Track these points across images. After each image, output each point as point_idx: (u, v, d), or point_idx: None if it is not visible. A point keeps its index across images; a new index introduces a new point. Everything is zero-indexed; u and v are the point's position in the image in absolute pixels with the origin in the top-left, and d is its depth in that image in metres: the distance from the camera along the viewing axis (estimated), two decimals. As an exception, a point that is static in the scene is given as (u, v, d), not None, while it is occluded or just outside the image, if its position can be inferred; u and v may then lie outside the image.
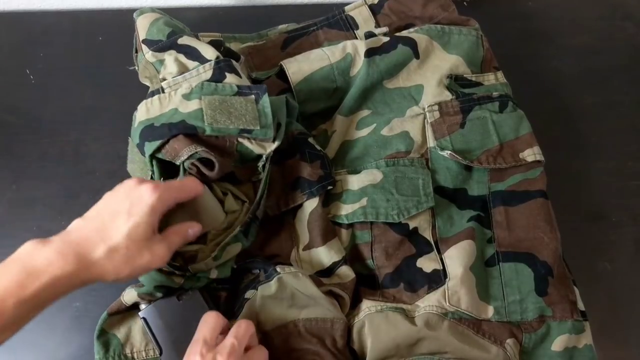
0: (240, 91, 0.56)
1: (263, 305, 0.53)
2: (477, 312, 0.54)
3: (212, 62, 0.58)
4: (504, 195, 0.60)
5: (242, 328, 0.47)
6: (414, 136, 0.62)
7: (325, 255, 0.56)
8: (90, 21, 0.76)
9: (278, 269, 0.54)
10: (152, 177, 0.56)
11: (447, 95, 0.63)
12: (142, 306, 0.53)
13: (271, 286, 0.53)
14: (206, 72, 0.58)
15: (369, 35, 0.68)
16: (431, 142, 0.62)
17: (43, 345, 0.58)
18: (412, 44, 0.64)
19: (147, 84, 0.63)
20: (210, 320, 0.48)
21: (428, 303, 0.55)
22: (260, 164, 0.56)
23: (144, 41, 0.61)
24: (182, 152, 0.53)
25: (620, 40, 0.79)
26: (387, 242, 0.58)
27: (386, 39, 0.64)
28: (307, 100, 0.63)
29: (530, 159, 0.60)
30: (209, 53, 0.59)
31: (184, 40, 0.60)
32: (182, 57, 0.59)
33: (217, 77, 0.57)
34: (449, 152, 0.60)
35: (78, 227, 0.45)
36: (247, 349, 0.48)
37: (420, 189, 0.59)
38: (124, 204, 0.45)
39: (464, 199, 0.60)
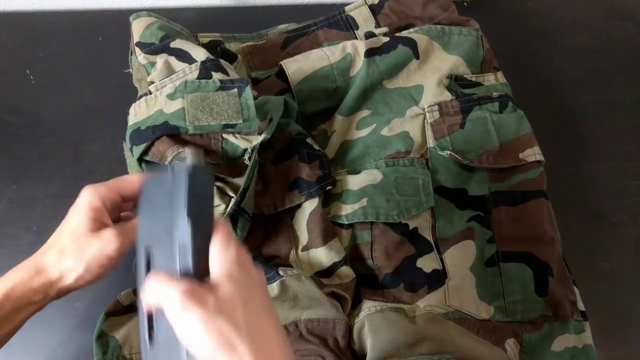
0: (223, 85, 0.57)
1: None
2: (477, 312, 0.54)
3: (199, 63, 0.58)
4: (504, 195, 0.60)
5: None
6: (414, 136, 0.62)
7: (326, 255, 0.56)
8: (90, 21, 0.76)
9: (280, 272, 0.54)
10: None
11: (447, 96, 0.63)
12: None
13: (273, 289, 0.53)
14: (192, 72, 0.58)
15: (369, 35, 0.68)
16: (431, 142, 0.62)
17: (43, 345, 0.58)
18: (412, 44, 0.64)
19: (137, 86, 0.63)
20: None
21: (428, 303, 0.55)
22: (247, 155, 0.55)
23: (137, 44, 0.62)
24: (166, 153, 0.53)
25: (620, 40, 0.79)
26: (387, 242, 0.58)
27: (386, 39, 0.64)
28: (307, 101, 0.63)
29: (530, 159, 0.60)
30: (200, 55, 0.59)
31: (177, 43, 0.61)
32: (172, 60, 0.60)
33: (204, 76, 0.58)
34: (449, 152, 0.60)
35: (44, 246, 0.47)
36: None
37: (420, 189, 0.59)
38: (68, 213, 0.47)
39: (464, 199, 0.60)
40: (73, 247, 0.44)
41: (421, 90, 0.64)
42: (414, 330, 0.53)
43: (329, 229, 0.57)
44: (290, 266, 0.56)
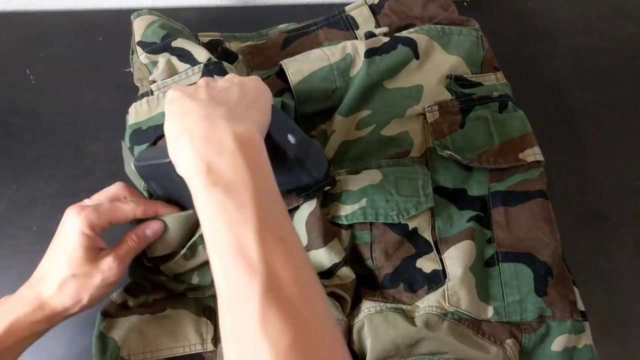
0: None
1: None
2: (477, 313, 0.54)
3: (202, 65, 0.58)
4: (504, 196, 0.59)
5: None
6: (413, 136, 0.62)
7: (326, 257, 0.56)
8: (90, 21, 0.76)
9: None
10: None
11: (447, 96, 0.63)
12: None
13: None
14: (195, 74, 0.58)
15: (369, 35, 0.68)
16: (431, 142, 0.62)
17: (43, 345, 0.58)
18: (412, 44, 0.64)
19: (139, 85, 0.63)
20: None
21: (428, 303, 0.54)
22: None
23: (139, 43, 0.62)
24: None
25: (620, 40, 0.79)
26: (386, 243, 0.58)
27: (386, 39, 0.64)
28: (306, 101, 0.62)
29: (530, 159, 0.60)
30: (202, 56, 0.59)
31: (178, 42, 0.61)
32: (174, 60, 0.60)
33: None
34: (449, 152, 0.60)
35: (37, 272, 0.47)
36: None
37: (419, 189, 0.59)
38: (58, 238, 0.47)
39: (464, 199, 0.60)
40: (74, 281, 0.45)
41: (421, 90, 0.64)
42: (413, 330, 0.52)
43: (328, 230, 0.57)
44: None
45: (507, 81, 0.66)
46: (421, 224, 0.58)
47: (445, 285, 0.55)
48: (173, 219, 0.52)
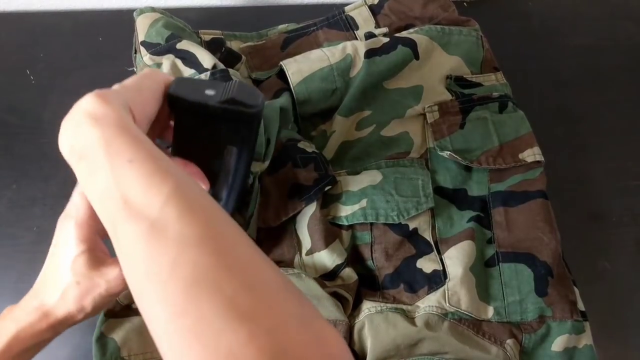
0: None
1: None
2: (477, 313, 0.54)
3: (208, 73, 0.58)
4: (504, 196, 0.59)
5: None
6: (413, 137, 0.62)
7: (328, 258, 0.56)
8: (90, 21, 0.76)
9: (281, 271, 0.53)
10: None
11: (447, 96, 0.63)
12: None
13: None
14: None
15: (369, 35, 0.68)
16: (431, 143, 0.62)
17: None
18: (412, 44, 0.64)
19: None
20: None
21: (428, 303, 0.54)
22: (249, 182, 0.55)
23: (142, 43, 0.62)
24: None
25: (620, 40, 0.79)
26: (387, 243, 0.58)
27: (386, 39, 0.64)
28: (306, 101, 0.62)
29: (530, 159, 0.60)
30: (206, 61, 0.59)
31: (183, 44, 0.61)
32: (179, 63, 0.60)
33: None
34: (449, 152, 0.60)
35: (39, 280, 0.46)
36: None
37: (419, 189, 0.59)
38: (57, 243, 0.46)
39: (464, 199, 0.60)
40: (79, 288, 0.44)
41: (421, 90, 0.64)
42: (414, 330, 0.53)
43: (329, 231, 0.57)
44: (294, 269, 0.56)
45: (507, 81, 0.66)
46: (421, 225, 0.58)
47: (445, 286, 0.55)
48: None
